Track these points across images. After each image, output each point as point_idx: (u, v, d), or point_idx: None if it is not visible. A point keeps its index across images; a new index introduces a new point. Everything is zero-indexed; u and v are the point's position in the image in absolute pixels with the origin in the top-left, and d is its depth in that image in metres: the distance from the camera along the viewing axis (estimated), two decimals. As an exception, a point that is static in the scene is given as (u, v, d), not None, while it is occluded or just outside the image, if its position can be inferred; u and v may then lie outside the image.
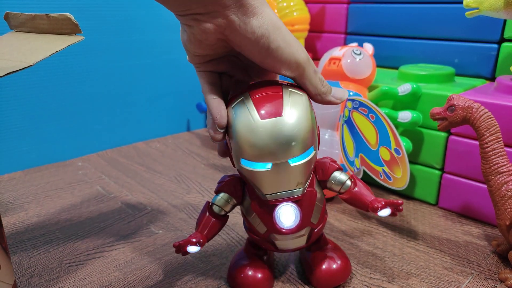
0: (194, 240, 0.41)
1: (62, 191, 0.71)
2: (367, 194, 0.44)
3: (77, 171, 0.80)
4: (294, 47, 0.37)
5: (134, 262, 0.52)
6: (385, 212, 0.43)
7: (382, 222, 0.61)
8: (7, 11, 0.49)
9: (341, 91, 0.42)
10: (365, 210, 0.44)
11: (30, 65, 0.40)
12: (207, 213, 0.44)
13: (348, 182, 0.44)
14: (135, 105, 0.95)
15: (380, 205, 0.42)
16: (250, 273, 0.45)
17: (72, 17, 0.43)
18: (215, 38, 0.35)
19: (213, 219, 0.44)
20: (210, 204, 0.45)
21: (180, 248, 0.41)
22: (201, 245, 0.42)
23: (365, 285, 0.47)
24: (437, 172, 0.64)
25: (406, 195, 0.68)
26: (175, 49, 0.98)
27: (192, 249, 0.42)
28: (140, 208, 0.65)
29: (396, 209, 0.43)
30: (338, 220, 0.61)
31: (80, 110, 0.86)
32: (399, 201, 0.42)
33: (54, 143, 0.84)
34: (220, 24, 0.34)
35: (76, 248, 0.55)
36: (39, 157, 0.82)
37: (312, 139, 0.39)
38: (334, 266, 0.46)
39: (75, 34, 0.44)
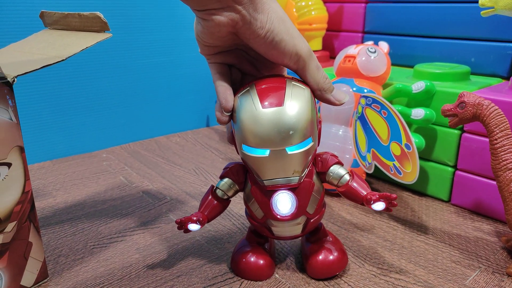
0: (194, 218, 0.44)
1: (87, 180, 0.75)
2: (363, 188, 0.45)
3: (101, 162, 0.84)
4: (297, 39, 0.40)
5: (153, 246, 0.55)
6: (379, 206, 0.43)
7: (392, 217, 0.62)
8: (42, 10, 0.53)
9: (342, 94, 0.44)
10: (360, 203, 0.45)
11: (63, 59, 0.44)
12: (210, 196, 0.47)
13: (346, 177, 0.45)
14: (158, 101, 0.99)
15: (374, 198, 0.43)
16: (252, 259, 0.48)
17: (102, 16, 0.46)
18: (226, 31, 0.38)
19: (215, 201, 0.47)
20: (214, 188, 0.47)
21: (182, 224, 0.44)
22: (201, 223, 0.45)
23: (373, 275, 0.49)
24: (450, 169, 0.65)
25: (419, 191, 0.69)
26: (196, 47, 1.01)
27: (193, 226, 0.45)
28: (159, 197, 0.69)
29: (390, 203, 0.43)
30: (350, 213, 0.63)
31: (105, 105, 0.90)
32: (393, 195, 0.42)
33: (81, 135, 0.88)
34: (233, 19, 0.37)
35: (100, 232, 0.58)
36: (66, 148, 0.87)
37: (311, 130, 0.41)
38: (330, 257, 0.47)
39: (104, 32, 0.48)
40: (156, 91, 0.98)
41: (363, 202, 0.44)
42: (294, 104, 0.40)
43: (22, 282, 0.45)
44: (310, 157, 0.42)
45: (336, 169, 0.46)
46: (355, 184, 0.45)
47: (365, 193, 0.44)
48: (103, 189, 0.72)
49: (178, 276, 0.49)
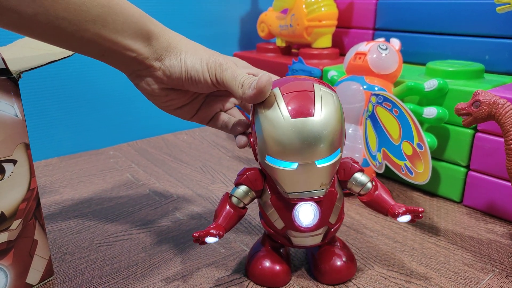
0: (214, 232, 0.41)
1: (94, 177, 0.75)
2: (387, 198, 0.43)
3: (109, 159, 0.84)
4: (207, 64, 0.40)
5: (160, 245, 0.54)
6: (404, 219, 0.42)
7: (403, 217, 0.61)
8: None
9: (262, 77, 0.36)
10: (384, 214, 0.44)
11: (70, 55, 0.43)
12: (227, 205, 0.44)
13: (369, 185, 0.44)
14: (165, 98, 0.98)
15: (400, 211, 0.41)
16: (267, 264, 0.46)
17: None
18: (159, 88, 0.40)
19: (232, 211, 0.44)
20: (229, 195, 0.45)
21: (199, 239, 0.41)
22: (220, 236, 0.41)
23: (383, 277, 0.48)
24: (463, 169, 0.63)
25: (430, 192, 0.68)
26: (205, 43, 1.00)
27: (211, 240, 0.42)
28: (166, 195, 0.68)
29: (416, 216, 0.42)
30: (359, 213, 0.62)
31: (113, 102, 0.90)
32: (420, 209, 0.41)
33: (88, 132, 0.88)
34: (157, 76, 0.39)
35: (106, 230, 0.58)
36: (73, 145, 0.87)
37: (340, 140, 0.39)
38: (339, 263, 0.46)
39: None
40: (164, 88, 0.97)
41: (388, 214, 0.43)
42: (325, 112, 0.37)
43: (28, 280, 0.45)
44: (337, 167, 0.41)
45: (358, 177, 0.44)
46: (379, 194, 0.43)
47: (391, 205, 0.43)
48: (110, 187, 0.71)
49: (184, 276, 0.48)
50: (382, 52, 0.65)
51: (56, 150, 0.85)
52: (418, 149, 0.54)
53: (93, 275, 0.48)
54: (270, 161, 0.39)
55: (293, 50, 1.03)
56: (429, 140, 0.60)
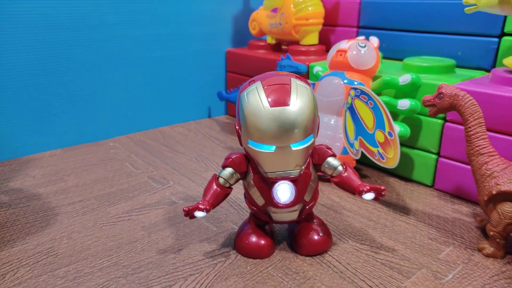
0: (201, 206, 0.47)
1: (96, 167, 0.81)
2: (355, 179, 0.49)
3: (109, 150, 0.89)
4: None
5: (158, 224, 0.60)
6: (369, 196, 0.48)
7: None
8: None
9: None
10: (352, 193, 0.49)
11: None
12: (214, 184, 0.50)
13: (340, 168, 0.50)
14: (162, 93, 1.04)
15: (365, 189, 0.47)
16: (254, 239, 0.52)
17: None
18: None
19: (218, 190, 0.50)
20: (217, 176, 0.51)
21: (189, 212, 0.48)
22: (207, 211, 0.48)
23: (355, 249, 0.54)
24: (434, 156, 0.69)
25: (405, 177, 0.74)
26: (199, 41, 1.06)
27: (199, 214, 0.48)
28: (163, 182, 0.74)
29: (379, 194, 0.47)
30: (339, 197, 0.68)
31: (113, 97, 0.96)
32: (382, 187, 0.47)
33: (89, 125, 0.94)
34: None
35: (108, 212, 0.64)
36: (76, 137, 0.92)
37: (312, 127, 0.45)
38: (316, 237, 0.52)
39: None
40: (161, 83, 1.03)
41: (355, 192, 0.49)
42: (299, 103, 0.43)
43: None
44: (310, 151, 0.47)
45: (331, 161, 0.50)
46: (348, 175, 0.49)
47: (358, 184, 0.48)
48: (111, 175, 0.77)
49: (179, 250, 0.54)
50: (361, 50, 0.71)
51: (59, 141, 0.90)
52: (389, 137, 0.60)
53: (98, 250, 0.54)
54: (252, 144, 0.45)
55: (283, 47, 1.09)
56: (402, 129, 0.66)
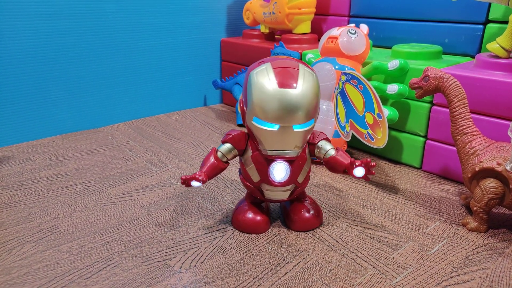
0: (198, 176, 0.50)
1: (95, 152, 0.83)
2: (345, 158, 0.51)
3: (107, 137, 0.91)
4: None
5: (157, 204, 0.62)
6: (359, 171, 0.49)
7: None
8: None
9: None
10: (342, 170, 0.51)
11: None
12: (212, 157, 0.53)
13: (332, 151, 0.52)
14: (159, 81, 1.06)
15: (356, 163, 0.49)
16: (250, 215, 0.55)
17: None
18: None
19: (216, 163, 0.52)
20: (216, 150, 0.53)
21: (186, 181, 0.50)
22: (203, 181, 0.50)
23: (346, 225, 0.57)
24: (421, 139, 0.72)
25: (394, 160, 0.77)
26: (194, 30, 1.08)
27: (195, 183, 0.50)
28: (161, 166, 0.76)
29: (369, 170, 0.49)
30: (331, 178, 0.71)
31: (111, 84, 0.97)
32: (373, 162, 0.49)
33: (88, 112, 0.96)
34: None
35: (109, 193, 0.66)
36: (74, 124, 0.94)
37: (314, 112, 0.48)
38: (307, 214, 0.55)
39: None
40: (158, 72, 1.05)
41: (346, 168, 0.50)
42: (305, 87, 0.46)
43: None
44: (310, 135, 0.49)
45: (324, 144, 0.52)
46: (340, 155, 0.51)
47: (349, 160, 0.50)
48: (110, 159, 0.79)
49: (178, 226, 0.56)
50: (351, 36, 0.74)
51: (58, 128, 0.92)
52: (377, 118, 0.63)
53: (100, 227, 0.56)
54: (256, 122, 0.48)
55: (277, 36, 1.11)
56: (391, 113, 0.69)
